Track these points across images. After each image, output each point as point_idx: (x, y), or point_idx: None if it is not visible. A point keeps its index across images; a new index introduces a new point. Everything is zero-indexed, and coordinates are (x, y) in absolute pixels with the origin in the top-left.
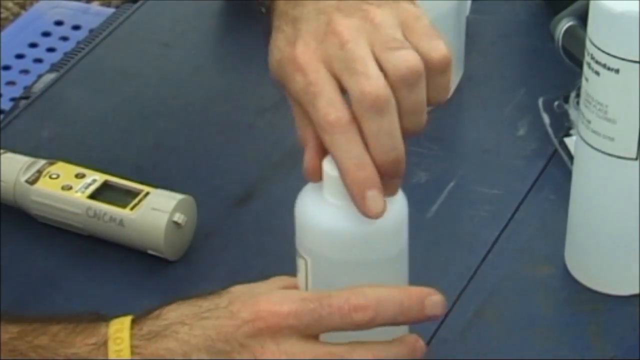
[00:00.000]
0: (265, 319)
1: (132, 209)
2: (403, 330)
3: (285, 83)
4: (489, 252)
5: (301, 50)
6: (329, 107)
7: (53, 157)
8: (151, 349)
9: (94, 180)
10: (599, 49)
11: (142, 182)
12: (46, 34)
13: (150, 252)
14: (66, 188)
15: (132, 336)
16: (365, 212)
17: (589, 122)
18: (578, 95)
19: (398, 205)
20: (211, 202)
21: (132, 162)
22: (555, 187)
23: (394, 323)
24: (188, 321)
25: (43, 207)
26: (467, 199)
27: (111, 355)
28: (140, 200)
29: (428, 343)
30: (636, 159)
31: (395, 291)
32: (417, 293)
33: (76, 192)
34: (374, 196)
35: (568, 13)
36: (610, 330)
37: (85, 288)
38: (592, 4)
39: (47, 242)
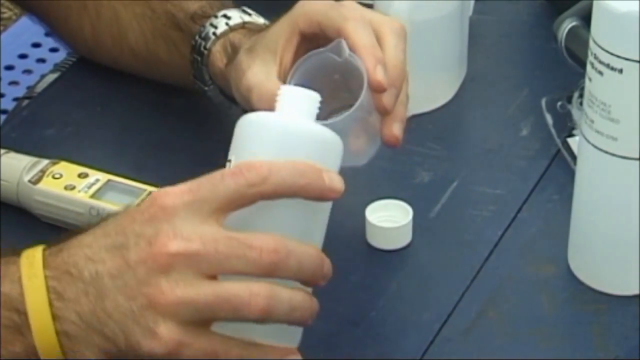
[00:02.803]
0: (157, 200)
1: None
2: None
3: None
4: (492, 252)
5: None
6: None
7: (56, 156)
8: (57, 260)
9: (97, 180)
10: (602, 48)
11: (144, 182)
12: (49, 35)
13: None
14: (69, 188)
15: (43, 253)
16: (375, 78)
17: (592, 122)
18: (581, 96)
19: (335, 138)
20: None
21: (134, 161)
22: (559, 187)
23: (296, 191)
24: (92, 230)
25: (46, 207)
26: (470, 199)
27: (23, 268)
28: (143, 200)
29: (431, 342)
30: (639, 158)
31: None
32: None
33: (79, 191)
34: (381, 69)
35: (571, 13)
36: (613, 330)
37: None
38: (595, 4)
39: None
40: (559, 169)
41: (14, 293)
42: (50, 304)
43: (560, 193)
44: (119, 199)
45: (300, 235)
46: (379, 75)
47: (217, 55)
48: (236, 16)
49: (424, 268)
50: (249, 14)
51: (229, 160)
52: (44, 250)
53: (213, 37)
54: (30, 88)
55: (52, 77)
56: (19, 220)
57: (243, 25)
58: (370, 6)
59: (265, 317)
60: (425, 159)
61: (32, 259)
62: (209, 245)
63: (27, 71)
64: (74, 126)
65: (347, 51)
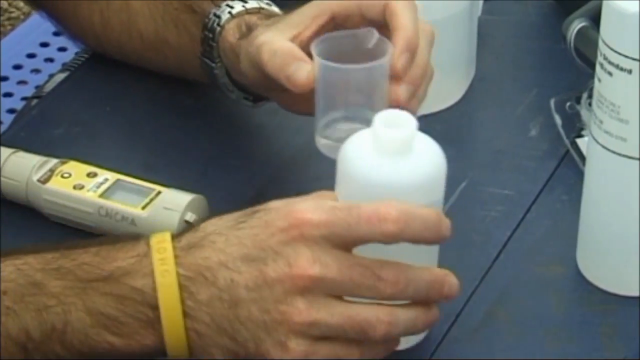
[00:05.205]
0: (298, 226)
1: (143, 208)
2: (432, 261)
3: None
4: (500, 252)
5: None
6: None
7: (65, 156)
8: (189, 259)
9: (106, 180)
10: (611, 49)
11: (153, 181)
12: (57, 34)
13: None
14: (78, 187)
15: (172, 247)
16: (396, 63)
17: (602, 122)
18: (590, 96)
19: (436, 163)
20: (222, 202)
21: (143, 161)
22: (567, 188)
23: (419, 240)
24: (224, 232)
25: (55, 206)
26: (479, 199)
27: (155, 263)
28: (151, 200)
29: (440, 343)
30: None
31: (419, 210)
32: (436, 215)
33: (88, 191)
34: (406, 57)
35: (580, 14)
36: (622, 331)
37: None
38: (604, 5)
39: (59, 241)
40: (568, 169)
41: (146, 288)
42: (183, 302)
43: (569, 194)
44: (128, 199)
45: (422, 259)
46: (401, 62)
47: (230, 32)
48: (253, 2)
49: None
50: (267, 3)
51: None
52: (173, 242)
53: (229, 16)
54: (39, 87)
55: (61, 76)
56: (29, 219)
57: (259, 11)
58: None
59: (386, 339)
60: None
61: (164, 253)
62: (344, 273)
63: (36, 70)
64: (83, 125)
65: (376, 37)
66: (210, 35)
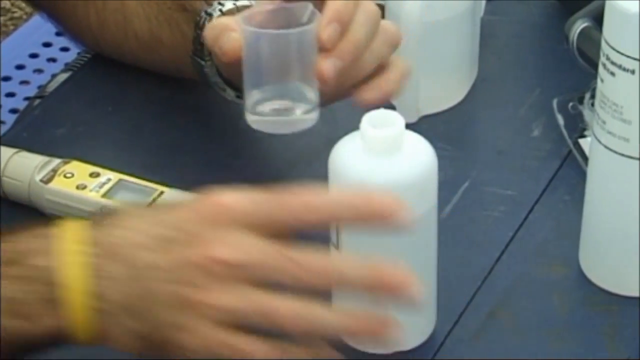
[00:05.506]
0: (221, 212)
1: None
2: (431, 262)
3: None
4: (503, 252)
5: None
6: None
7: (67, 156)
8: (101, 237)
9: (109, 180)
10: (614, 49)
11: (156, 182)
12: (60, 34)
13: None
14: (81, 187)
15: (83, 228)
16: (322, 34)
17: (604, 122)
18: (593, 97)
19: (426, 162)
20: None
21: (146, 161)
22: (570, 188)
23: (348, 219)
24: (143, 213)
25: (58, 206)
26: (481, 199)
27: (62, 242)
28: (154, 200)
29: (442, 343)
30: None
31: (348, 196)
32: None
33: (91, 191)
34: (334, 28)
35: (583, 14)
36: (625, 332)
37: None
38: (607, 5)
39: None
40: (571, 169)
41: (52, 265)
42: (90, 281)
43: (571, 194)
44: (131, 199)
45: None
46: (327, 32)
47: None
48: None
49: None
50: None
51: None
52: (84, 225)
53: (219, 13)
54: (41, 87)
55: (64, 76)
56: (31, 219)
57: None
58: (381, 7)
59: (300, 333)
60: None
61: (73, 232)
62: (263, 260)
63: (38, 70)
64: (86, 125)
65: (310, 10)
66: (201, 33)
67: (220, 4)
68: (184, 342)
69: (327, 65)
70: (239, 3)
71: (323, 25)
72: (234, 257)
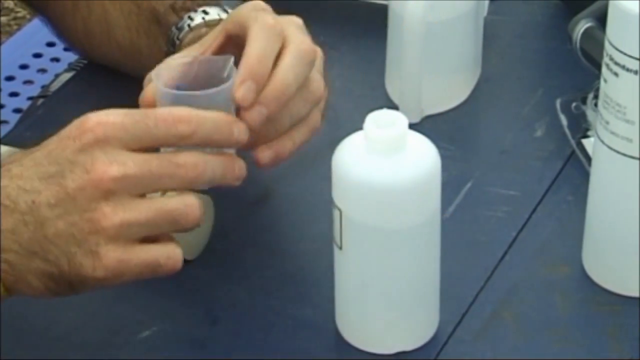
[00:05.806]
0: (91, 130)
1: None
2: (434, 263)
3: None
4: (506, 252)
5: None
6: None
7: None
8: None
9: None
10: (618, 50)
11: None
12: None
13: None
14: None
15: None
16: (236, 93)
17: (608, 123)
18: (596, 97)
19: (430, 162)
20: (228, 202)
21: None
22: (573, 188)
23: (212, 141)
24: (20, 159)
25: None
26: (484, 199)
27: None
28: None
29: (445, 343)
30: None
31: (211, 113)
32: (228, 118)
33: None
34: (248, 86)
35: (586, 14)
36: (628, 332)
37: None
38: (611, 5)
39: None
40: (574, 170)
41: None
42: None
43: (574, 194)
44: None
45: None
46: (241, 91)
47: (185, 47)
48: (214, 13)
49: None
50: (227, 12)
51: (338, 208)
52: None
53: (187, 29)
54: (44, 87)
55: (67, 76)
56: None
57: (219, 22)
58: (384, 7)
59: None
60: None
61: None
62: (143, 168)
63: (42, 70)
64: None
65: (230, 65)
66: (172, 50)
67: (190, 18)
68: (96, 270)
69: (251, 117)
70: (207, 17)
71: (237, 84)
72: (114, 172)
